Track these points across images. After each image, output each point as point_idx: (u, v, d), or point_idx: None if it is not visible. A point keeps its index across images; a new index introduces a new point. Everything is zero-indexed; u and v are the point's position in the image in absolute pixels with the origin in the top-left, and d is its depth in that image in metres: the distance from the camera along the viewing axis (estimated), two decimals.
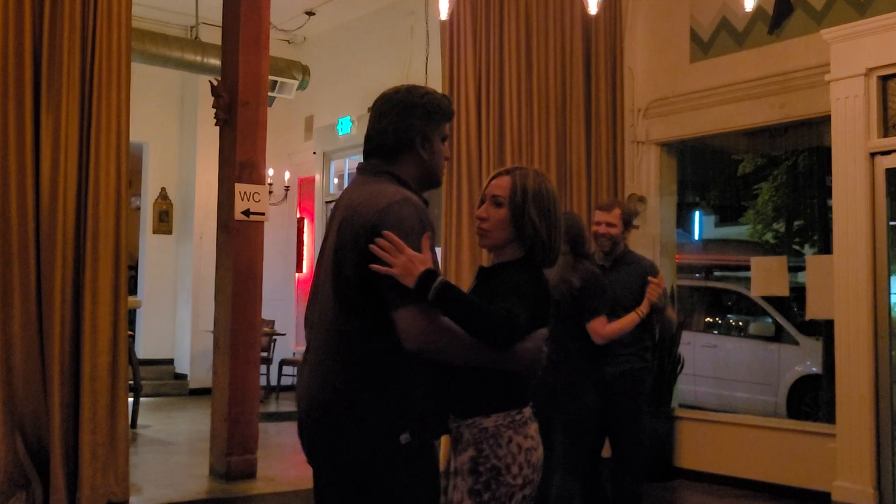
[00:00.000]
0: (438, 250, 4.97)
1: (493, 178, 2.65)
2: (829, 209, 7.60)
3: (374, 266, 2.25)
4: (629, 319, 4.41)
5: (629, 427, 4.66)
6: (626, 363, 4.64)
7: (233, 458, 5.73)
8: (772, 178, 13.52)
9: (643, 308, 4.42)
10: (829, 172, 6.03)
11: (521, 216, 2.54)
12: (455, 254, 6.38)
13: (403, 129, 2.48)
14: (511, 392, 2.48)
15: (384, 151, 2.50)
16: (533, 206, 2.54)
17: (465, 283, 5.01)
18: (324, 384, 2.41)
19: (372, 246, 2.26)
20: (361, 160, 2.59)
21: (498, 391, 2.46)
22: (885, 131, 5.67)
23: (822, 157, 10.35)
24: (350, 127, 10.30)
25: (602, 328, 4.32)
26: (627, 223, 4.79)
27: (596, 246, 4.79)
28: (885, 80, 5.68)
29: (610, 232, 4.68)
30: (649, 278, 4.50)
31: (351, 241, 2.34)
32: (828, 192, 8.59)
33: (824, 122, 6.21)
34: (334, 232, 2.44)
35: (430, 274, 2.23)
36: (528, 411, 2.51)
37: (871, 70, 5.67)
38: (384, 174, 2.48)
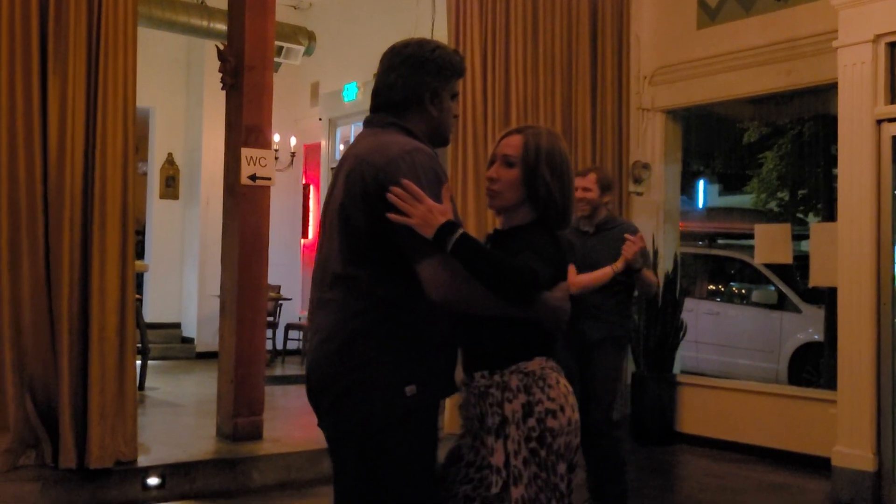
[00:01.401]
0: None
1: (504, 137, 2.51)
2: (834, 178, 7.59)
3: (392, 216, 2.17)
4: (602, 273, 4.43)
5: (607, 390, 4.68)
6: (611, 329, 4.67)
7: (239, 420, 5.80)
8: (777, 146, 13.50)
9: (618, 264, 4.42)
10: (835, 140, 6.01)
11: (534, 177, 2.41)
12: (461, 219, 6.38)
13: (413, 85, 2.40)
14: (545, 339, 2.40)
15: (392, 106, 2.43)
16: (546, 167, 2.41)
17: None
18: (328, 334, 2.33)
19: (389, 195, 2.17)
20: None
21: (536, 336, 2.37)
22: (893, 98, 5.64)
23: (827, 126, 10.35)
24: (356, 93, 10.26)
25: (571, 277, 4.32)
26: (605, 188, 4.79)
27: (576, 211, 4.83)
28: (893, 46, 5.64)
29: (586, 196, 4.69)
30: (626, 235, 4.48)
31: (360, 191, 2.26)
32: (833, 160, 8.58)
33: (831, 89, 6.19)
34: (341, 183, 2.35)
35: (450, 225, 2.16)
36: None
37: (879, 36, 5.63)
38: (392, 126, 2.40)
